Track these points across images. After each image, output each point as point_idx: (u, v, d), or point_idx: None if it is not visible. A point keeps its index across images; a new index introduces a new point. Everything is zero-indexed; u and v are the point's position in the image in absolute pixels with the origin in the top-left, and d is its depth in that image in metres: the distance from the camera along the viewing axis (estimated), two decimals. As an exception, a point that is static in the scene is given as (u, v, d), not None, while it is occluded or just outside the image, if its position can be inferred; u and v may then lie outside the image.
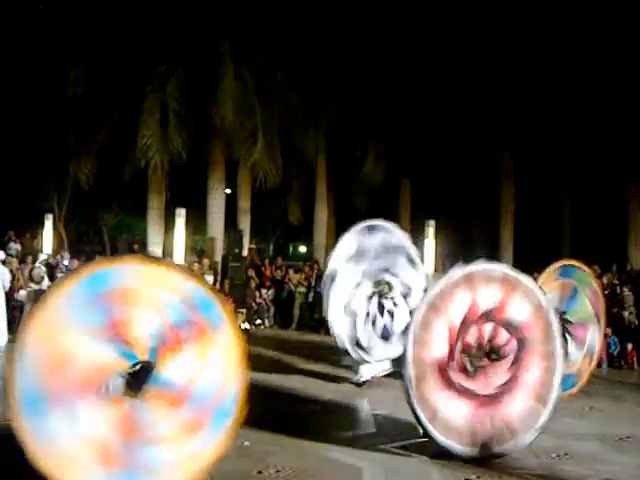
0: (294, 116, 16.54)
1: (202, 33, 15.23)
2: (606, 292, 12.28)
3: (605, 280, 12.90)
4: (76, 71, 15.77)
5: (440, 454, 6.09)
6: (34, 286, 13.14)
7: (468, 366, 6.12)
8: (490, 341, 6.15)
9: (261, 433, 6.35)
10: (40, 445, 4.06)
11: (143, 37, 15.05)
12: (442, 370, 6.00)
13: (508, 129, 17.11)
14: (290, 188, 19.14)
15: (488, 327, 6.14)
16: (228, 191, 18.74)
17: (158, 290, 4.49)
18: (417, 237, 18.51)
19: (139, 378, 4.34)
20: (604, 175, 17.12)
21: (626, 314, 11.73)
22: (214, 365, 4.55)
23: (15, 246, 16.48)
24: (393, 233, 8.77)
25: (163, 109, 15.49)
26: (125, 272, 4.47)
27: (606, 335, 10.55)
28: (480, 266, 6.26)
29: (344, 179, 18.98)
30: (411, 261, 8.70)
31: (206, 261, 15.01)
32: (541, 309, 6.24)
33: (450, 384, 6.01)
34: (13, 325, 12.63)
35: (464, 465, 5.85)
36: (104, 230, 22.33)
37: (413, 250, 8.84)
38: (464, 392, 6.04)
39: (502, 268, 6.43)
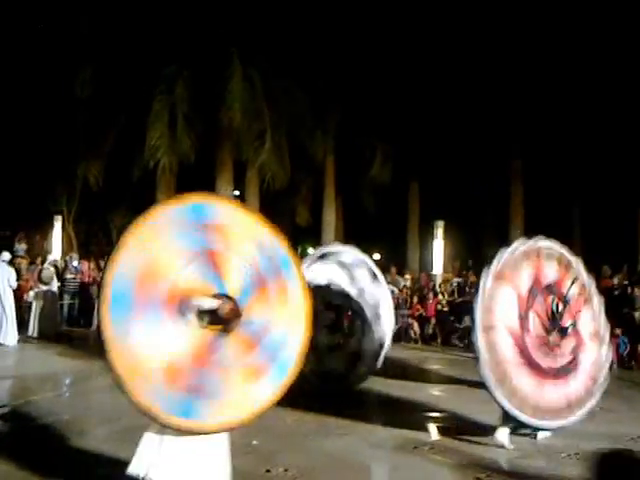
0: (302, 118, 16.52)
1: (210, 35, 15.26)
2: (617, 293, 12.25)
3: (616, 281, 12.85)
4: (85, 73, 15.83)
5: (449, 452, 6.08)
6: (43, 287, 13.23)
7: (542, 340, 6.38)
8: (557, 315, 6.47)
9: (269, 432, 6.34)
10: (118, 346, 4.18)
11: (151, 39, 15.09)
12: (515, 339, 6.22)
13: (517, 130, 17.02)
14: (298, 190, 19.13)
15: (551, 300, 6.49)
16: (237, 193, 18.74)
17: (253, 238, 4.73)
18: (426, 238, 18.61)
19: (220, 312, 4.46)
20: (614, 176, 17.01)
21: (637, 314, 11.68)
22: (285, 318, 4.74)
23: (21, 246, 16.58)
24: (347, 252, 8.97)
25: (171, 111, 15.53)
26: (228, 211, 4.76)
27: (616, 335, 10.50)
28: (540, 242, 6.58)
29: (352, 181, 18.95)
30: (373, 276, 8.92)
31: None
32: (585, 288, 6.71)
33: (521, 355, 6.21)
34: (22, 326, 12.76)
35: (473, 464, 5.83)
36: (113, 231, 22.37)
37: (373, 265, 9.03)
38: (534, 365, 6.26)
39: (558, 247, 6.74)
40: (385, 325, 8.94)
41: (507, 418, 6.23)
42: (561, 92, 16.06)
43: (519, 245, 6.45)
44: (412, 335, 14.06)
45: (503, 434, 6.28)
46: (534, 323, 6.36)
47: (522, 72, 16.16)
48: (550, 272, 6.52)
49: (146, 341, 4.25)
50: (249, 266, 4.62)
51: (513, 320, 6.23)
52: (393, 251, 22.98)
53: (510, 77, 16.31)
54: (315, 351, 6.98)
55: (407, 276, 16.54)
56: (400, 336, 13.25)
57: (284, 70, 15.86)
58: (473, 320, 6.19)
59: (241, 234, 4.69)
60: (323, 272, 8.54)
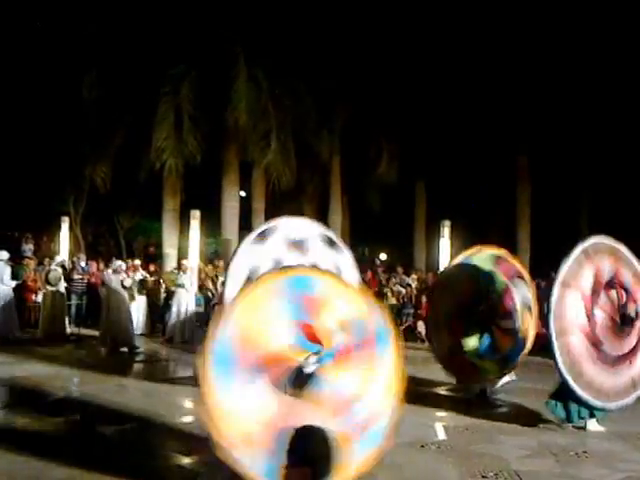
0: (308, 118, 16.53)
1: (215, 36, 15.30)
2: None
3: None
4: (91, 75, 15.88)
5: (456, 451, 6.06)
6: (51, 288, 13.28)
7: (611, 331, 7.06)
8: (622, 306, 7.14)
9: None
10: (217, 402, 4.36)
11: (157, 41, 15.15)
12: (587, 336, 6.89)
13: (523, 128, 16.99)
14: (304, 190, 19.12)
15: (614, 293, 7.12)
16: (243, 194, 18.78)
17: (348, 307, 4.92)
18: (433, 238, 18.57)
19: (308, 377, 4.62)
20: (622, 173, 16.94)
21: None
22: (375, 388, 4.82)
23: (28, 247, 16.66)
24: (291, 226, 7.79)
25: (177, 112, 15.56)
26: (327, 284, 5.02)
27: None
28: (592, 240, 7.18)
29: (359, 181, 18.94)
30: (330, 243, 7.80)
31: (221, 262, 15.02)
32: (638, 276, 7.26)
33: (592, 348, 6.91)
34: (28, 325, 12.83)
35: (481, 463, 5.81)
36: (120, 232, 22.48)
37: (329, 233, 7.97)
38: (608, 356, 6.98)
39: (608, 240, 7.29)
40: None
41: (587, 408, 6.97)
42: (566, 90, 16.03)
43: (577, 251, 7.05)
44: (417, 335, 14.06)
45: (594, 424, 7.05)
46: (602, 318, 7.05)
47: (528, 70, 16.14)
48: (606, 267, 7.10)
49: (243, 405, 4.43)
50: (340, 333, 4.80)
51: (582, 320, 6.93)
52: (400, 251, 22.98)
53: (516, 76, 16.29)
54: None
55: (414, 276, 16.52)
56: (406, 336, 13.21)
57: (289, 70, 15.88)
58: (547, 328, 6.81)
59: (339, 306, 4.90)
60: (267, 253, 7.38)
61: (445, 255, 16.25)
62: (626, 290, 7.19)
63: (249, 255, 7.35)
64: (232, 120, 15.38)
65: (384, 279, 16.48)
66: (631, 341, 7.18)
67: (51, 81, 16.26)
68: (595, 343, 6.95)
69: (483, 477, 5.49)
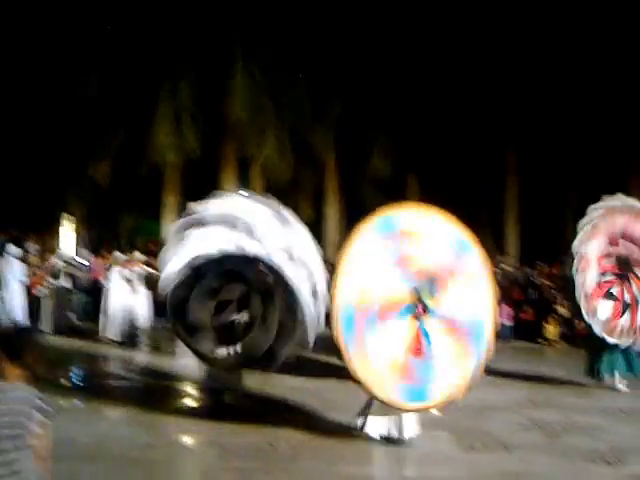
0: (303, 113, 16.79)
1: (213, 33, 15.54)
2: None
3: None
4: (90, 74, 16.08)
5: (446, 425, 6.40)
6: (54, 282, 13.56)
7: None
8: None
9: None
10: (351, 353, 5.42)
11: (155, 39, 15.39)
12: (599, 278, 8.17)
13: (512, 125, 17.31)
14: (301, 186, 19.39)
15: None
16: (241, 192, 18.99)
17: (436, 233, 5.73)
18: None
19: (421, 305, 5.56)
20: (608, 168, 17.31)
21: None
22: (475, 301, 5.69)
23: (34, 247, 16.88)
24: (232, 204, 7.09)
25: (176, 109, 15.83)
26: (410, 215, 5.84)
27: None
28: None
29: (353, 176, 19.19)
30: (282, 221, 7.05)
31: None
32: None
33: (605, 290, 8.14)
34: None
35: (470, 435, 6.16)
36: (122, 230, 22.66)
37: (276, 206, 7.22)
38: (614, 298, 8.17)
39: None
40: (315, 276, 6.82)
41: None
42: (555, 86, 16.31)
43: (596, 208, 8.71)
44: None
45: (620, 381, 8.22)
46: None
47: (518, 67, 16.41)
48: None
49: (372, 347, 5.40)
50: (434, 258, 5.65)
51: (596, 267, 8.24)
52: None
53: (506, 72, 16.55)
54: (225, 333, 6.45)
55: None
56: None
57: (285, 65, 16.09)
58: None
59: (426, 233, 5.71)
60: (206, 238, 6.72)
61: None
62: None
63: (187, 242, 6.63)
64: (229, 116, 15.65)
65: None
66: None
67: (51, 80, 16.44)
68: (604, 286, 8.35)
69: (471, 448, 5.80)
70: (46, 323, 13.10)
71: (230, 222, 6.80)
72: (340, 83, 17.01)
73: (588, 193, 18.81)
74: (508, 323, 12.64)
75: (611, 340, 8.18)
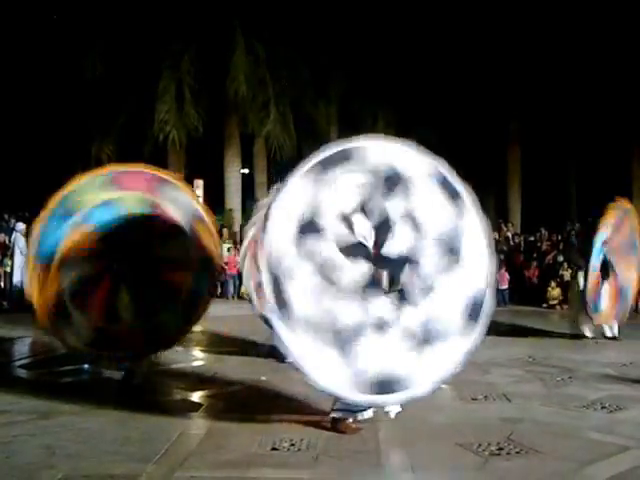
0: (305, 88, 16.84)
1: (214, 9, 15.57)
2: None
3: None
4: (93, 54, 16.16)
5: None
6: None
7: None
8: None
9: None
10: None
11: (157, 17, 15.44)
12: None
13: (515, 94, 17.31)
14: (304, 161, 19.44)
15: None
16: (246, 171, 19.18)
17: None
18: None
19: None
20: (609, 136, 17.33)
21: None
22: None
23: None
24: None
25: (178, 85, 15.90)
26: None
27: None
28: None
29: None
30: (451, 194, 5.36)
31: (225, 231, 15.52)
32: None
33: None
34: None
35: (471, 389, 6.26)
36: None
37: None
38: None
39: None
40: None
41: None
42: (557, 56, 16.30)
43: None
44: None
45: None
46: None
47: (520, 37, 16.39)
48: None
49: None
50: None
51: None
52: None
53: (508, 42, 16.54)
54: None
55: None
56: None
57: (286, 40, 16.13)
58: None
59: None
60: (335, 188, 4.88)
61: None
62: None
63: (307, 188, 4.61)
64: (232, 91, 15.72)
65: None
66: None
67: (54, 61, 16.52)
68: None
69: (473, 399, 5.90)
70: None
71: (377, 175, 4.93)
72: (342, 56, 17.02)
73: (589, 161, 19.04)
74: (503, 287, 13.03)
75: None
